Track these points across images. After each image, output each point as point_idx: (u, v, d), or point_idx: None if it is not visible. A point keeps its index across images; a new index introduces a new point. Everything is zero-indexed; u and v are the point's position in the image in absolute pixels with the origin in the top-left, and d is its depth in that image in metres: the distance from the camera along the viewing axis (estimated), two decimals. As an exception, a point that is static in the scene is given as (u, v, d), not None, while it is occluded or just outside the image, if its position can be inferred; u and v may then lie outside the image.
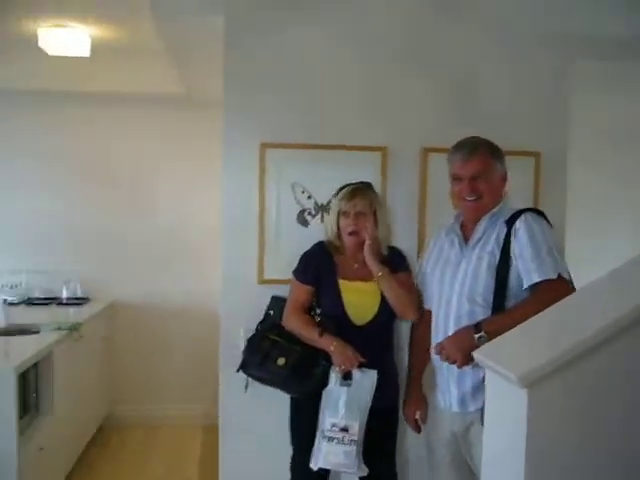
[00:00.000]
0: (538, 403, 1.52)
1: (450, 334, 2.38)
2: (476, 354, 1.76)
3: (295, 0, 2.97)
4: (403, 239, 2.97)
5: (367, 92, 3.06)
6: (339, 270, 2.75)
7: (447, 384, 2.46)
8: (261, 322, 2.87)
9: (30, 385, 3.47)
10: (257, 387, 2.91)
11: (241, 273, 3.00)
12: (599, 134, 4.58)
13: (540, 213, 2.40)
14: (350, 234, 2.69)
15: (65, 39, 3.65)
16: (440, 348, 2.35)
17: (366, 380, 2.62)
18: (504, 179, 2.49)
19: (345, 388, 2.62)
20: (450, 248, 2.53)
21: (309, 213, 2.99)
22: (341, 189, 2.76)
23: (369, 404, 2.60)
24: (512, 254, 2.31)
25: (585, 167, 4.17)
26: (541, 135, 3.15)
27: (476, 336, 2.23)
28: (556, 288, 2.18)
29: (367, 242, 2.65)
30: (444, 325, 2.46)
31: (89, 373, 4.60)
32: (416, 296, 2.69)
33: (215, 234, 3.44)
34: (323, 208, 2.99)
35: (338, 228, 2.74)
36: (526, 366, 1.53)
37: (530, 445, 1.51)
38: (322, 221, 2.98)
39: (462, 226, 2.54)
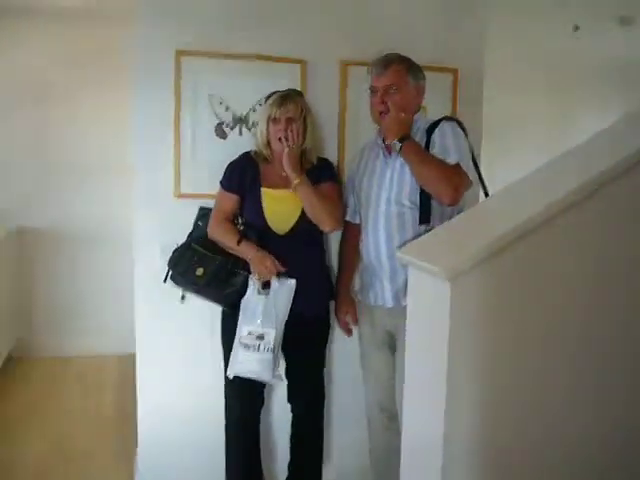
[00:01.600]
0: (460, 295, 1.55)
1: (381, 228, 2.53)
2: (399, 253, 1.78)
3: None
4: (324, 151, 2.94)
5: (287, 3, 2.96)
6: (264, 179, 2.72)
7: (381, 281, 2.57)
8: (190, 233, 2.83)
9: None
10: (174, 308, 2.89)
11: (156, 188, 2.88)
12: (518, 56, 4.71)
13: (456, 121, 2.53)
14: (280, 140, 2.64)
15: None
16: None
17: (284, 289, 2.63)
18: (419, 93, 2.61)
19: (263, 297, 2.62)
20: (375, 160, 2.64)
21: (227, 125, 2.90)
22: (270, 96, 2.71)
23: (287, 313, 2.62)
24: None
25: (502, 86, 4.25)
26: (459, 52, 3.15)
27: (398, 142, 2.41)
28: (463, 173, 2.39)
29: (285, 150, 2.61)
30: (374, 227, 2.58)
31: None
32: (336, 207, 2.70)
33: (127, 154, 3.32)
34: (241, 120, 2.90)
35: (268, 135, 2.69)
36: (448, 260, 1.55)
37: (453, 335, 1.55)
38: (240, 133, 2.91)
39: (384, 139, 2.57)
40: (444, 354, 1.56)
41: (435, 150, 2.42)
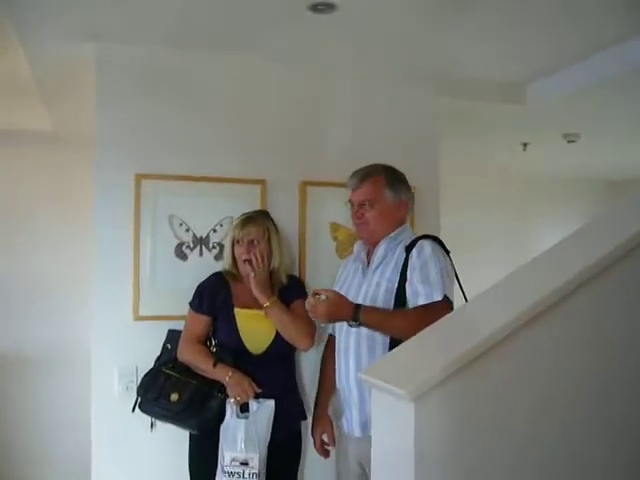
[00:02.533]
0: (425, 415, 1.51)
1: (351, 352, 2.43)
2: (362, 374, 1.75)
3: (165, 34, 2.87)
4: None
5: (244, 126, 3.04)
6: (237, 299, 2.71)
7: (350, 409, 2.47)
8: (158, 357, 2.76)
9: None
10: (133, 434, 2.78)
11: (114, 311, 2.83)
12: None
13: (435, 239, 2.45)
14: (245, 262, 2.66)
15: None
16: (312, 308, 2.30)
17: (263, 411, 2.56)
18: (400, 206, 2.52)
19: (243, 420, 2.54)
20: (354, 273, 2.57)
21: (187, 246, 2.91)
22: (239, 218, 2.75)
23: (268, 435, 2.54)
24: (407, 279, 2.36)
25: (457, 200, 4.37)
26: (416, 171, 3.23)
27: (351, 322, 2.28)
28: (439, 309, 2.17)
29: (251, 275, 2.62)
30: (345, 349, 2.48)
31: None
32: (310, 325, 2.67)
33: (86, 277, 3.28)
34: (202, 241, 2.91)
35: (233, 257, 2.70)
36: (411, 380, 1.53)
37: (418, 457, 1.50)
38: (200, 254, 2.91)
39: (369, 252, 2.56)
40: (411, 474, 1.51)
41: (416, 279, 2.30)
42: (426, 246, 2.37)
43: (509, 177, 6.03)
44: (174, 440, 2.73)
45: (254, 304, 2.65)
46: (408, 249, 2.40)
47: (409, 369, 1.68)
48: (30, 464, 4.77)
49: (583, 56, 3.16)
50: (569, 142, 4.55)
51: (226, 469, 2.52)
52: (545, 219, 6.39)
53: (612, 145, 4.96)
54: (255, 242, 2.67)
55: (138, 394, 2.68)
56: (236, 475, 2.50)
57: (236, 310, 2.68)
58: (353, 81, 3.22)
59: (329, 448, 2.75)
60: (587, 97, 3.53)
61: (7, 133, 4.65)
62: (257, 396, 2.57)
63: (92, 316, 2.88)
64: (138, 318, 2.84)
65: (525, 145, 4.79)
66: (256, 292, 2.62)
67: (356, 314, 2.26)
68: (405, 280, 2.35)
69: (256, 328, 2.66)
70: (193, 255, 2.91)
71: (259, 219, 2.73)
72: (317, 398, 2.78)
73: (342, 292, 2.53)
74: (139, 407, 2.68)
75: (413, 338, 1.90)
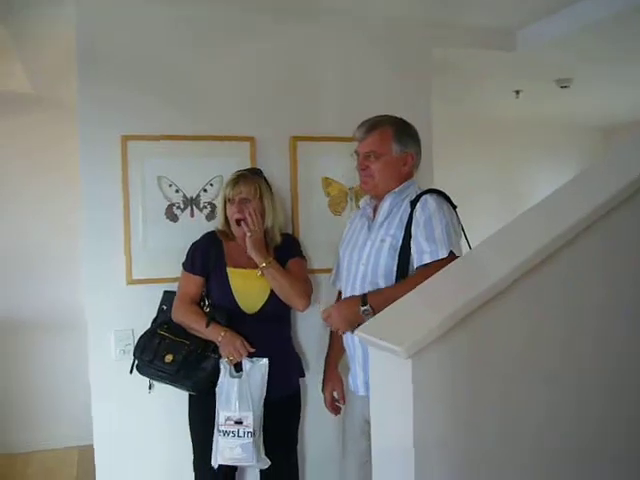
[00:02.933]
0: (422, 372, 1.50)
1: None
2: (358, 331, 1.73)
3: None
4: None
5: (231, 82, 2.98)
6: (230, 258, 2.68)
7: (354, 366, 2.46)
8: (154, 319, 2.75)
9: None
10: (132, 395, 2.78)
11: (107, 275, 2.81)
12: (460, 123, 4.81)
13: (441, 193, 2.39)
14: (237, 221, 2.63)
15: None
16: (326, 315, 2.34)
17: (257, 370, 2.56)
18: (406, 161, 2.44)
19: (236, 380, 2.54)
20: (360, 229, 2.52)
21: (178, 207, 2.87)
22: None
23: (263, 393, 2.55)
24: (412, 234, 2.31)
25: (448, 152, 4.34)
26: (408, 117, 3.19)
27: (362, 308, 2.23)
28: (445, 265, 2.16)
29: (247, 235, 2.58)
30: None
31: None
32: (306, 285, 2.68)
33: (77, 240, 3.26)
34: (192, 201, 2.88)
35: (226, 216, 2.67)
36: (408, 337, 1.51)
37: (417, 413, 1.50)
38: (192, 215, 2.88)
39: (375, 207, 2.51)
40: (409, 432, 1.50)
41: (421, 235, 2.26)
42: (430, 201, 2.31)
43: (502, 126, 5.96)
44: (173, 400, 2.74)
45: (247, 263, 2.63)
46: (413, 204, 2.34)
47: (406, 325, 1.66)
48: (32, 429, 4.83)
49: (571, 0, 3.11)
50: (562, 87, 4.47)
51: (221, 428, 2.53)
52: (541, 167, 6.34)
53: (606, 89, 4.89)
54: (247, 201, 2.63)
55: (134, 356, 2.68)
56: (231, 434, 2.52)
57: (229, 270, 2.66)
58: (343, 33, 3.13)
59: (339, 405, 2.73)
60: (577, 41, 3.47)
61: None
62: (251, 355, 2.56)
63: (85, 281, 2.86)
64: (131, 282, 2.81)
65: (518, 92, 4.72)
66: (252, 252, 2.59)
67: (364, 303, 2.23)
68: (409, 236, 2.31)
69: (250, 288, 2.64)
70: (184, 216, 2.87)
71: (250, 177, 2.68)
72: (327, 356, 2.76)
73: (348, 248, 2.53)
74: (136, 369, 2.69)
75: (411, 292, 1.87)
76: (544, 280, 1.63)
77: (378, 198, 2.48)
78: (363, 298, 2.26)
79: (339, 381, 2.70)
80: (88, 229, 2.81)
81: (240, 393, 2.53)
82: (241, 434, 2.51)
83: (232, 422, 2.53)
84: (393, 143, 2.41)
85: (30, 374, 4.85)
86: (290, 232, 2.96)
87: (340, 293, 2.65)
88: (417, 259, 2.28)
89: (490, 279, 1.57)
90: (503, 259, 1.71)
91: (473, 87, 4.63)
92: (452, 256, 2.21)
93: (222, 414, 2.54)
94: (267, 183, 2.73)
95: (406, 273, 2.30)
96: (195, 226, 2.82)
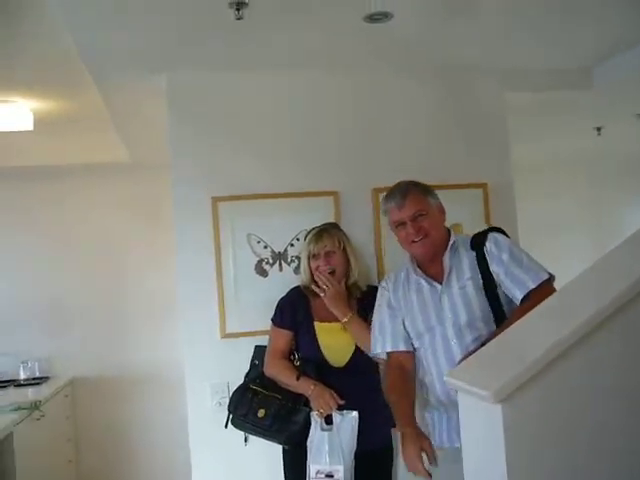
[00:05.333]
0: (513, 417, 1.50)
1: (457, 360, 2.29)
2: (446, 377, 1.75)
3: (232, 60, 2.96)
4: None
5: (312, 141, 3.10)
6: (316, 313, 2.74)
7: (452, 417, 2.27)
8: (247, 373, 2.83)
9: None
10: (228, 447, 2.86)
11: (202, 330, 2.94)
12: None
13: (499, 230, 2.45)
14: (330, 273, 2.69)
15: (7, 114, 3.63)
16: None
17: (347, 423, 2.55)
18: (442, 211, 2.50)
19: (327, 433, 2.55)
20: (418, 291, 2.47)
21: (267, 262, 2.98)
22: (309, 232, 2.78)
23: (354, 446, 2.53)
24: (494, 273, 2.33)
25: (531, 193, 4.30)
26: (486, 167, 3.23)
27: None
28: (549, 288, 2.23)
29: (322, 295, 2.66)
30: (447, 360, 2.36)
31: (53, 454, 4.42)
32: None
33: (173, 299, 3.43)
34: (280, 256, 2.98)
35: (311, 271, 2.74)
36: (497, 380, 1.52)
37: (510, 461, 1.50)
38: (280, 269, 2.98)
39: (419, 267, 2.50)
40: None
41: (513, 268, 2.28)
42: (499, 237, 2.38)
43: (584, 163, 5.86)
44: (268, 453, 2.79)
45: (334, 317, 2.69)
46: (475, 246, 2.38)
47: (495, 368, 1.67)
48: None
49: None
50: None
51: None
52: (624, 203, 6.18)
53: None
54: (332, 253, 2.70)
55: (229, 411, 2.75)
56: None
57: (316, 324, 2.72)
58: (418, 83, 3.22)
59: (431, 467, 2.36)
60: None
61: (89, 166, 4.89)
62: (341, 408, 2.57)
63: (182, 337, 2.99)
64: (225, 335, 2.93)
65: (599, 129, 4.66)
66: (332, 308, 2.66)
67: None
68: (488, 276, 2.33)
69: (336, 342, 2.69)
70: (273, 270, 2.98)
71: (331, 231, 2.76)
72: (398, 417, 2.38)
73: (419, 316, 2.44)
74: (231, 423, 2.75)
75: (499, 336, 1.88)
76: (632, 319, 1.61)
77: (429, 259, 2.44)
78: (483, 345, 2.02)
79: (426, 440, 2.27)
80: (183, 286, 2.96)
81: (331, 446, 2.53)
82: None
83: (323, 475, 2.51)
84: (429, 198, 2.45)
85: (134, 430, 5.06)
86: (376, 282, 3.00)
87: (403, 356, 2.49)
88: (519, 290, 2.27)
89: (571, 324, 1.56)
90: (589, 300, 1.68)
91: (552, 126, 4.60)
92: (550, 277, 2.27)
93: (313, 467, 2.54)
94: (346, 235, 2.79)
95: (502, 312, 2.31)
96: (284, 280, 2.91)
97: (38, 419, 3.92)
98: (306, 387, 2.62)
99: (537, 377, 1.51)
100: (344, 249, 2.73)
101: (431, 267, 2.47)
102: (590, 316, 1.55)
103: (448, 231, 2.51)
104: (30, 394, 4.34)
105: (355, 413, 2.56)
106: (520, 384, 1.50)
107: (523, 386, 1.50)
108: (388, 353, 2.52)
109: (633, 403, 1.60)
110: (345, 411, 2.57)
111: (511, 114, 3.38)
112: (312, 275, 2.74)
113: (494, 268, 2.33)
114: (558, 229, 5.48)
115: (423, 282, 2.46)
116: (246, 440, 2.81)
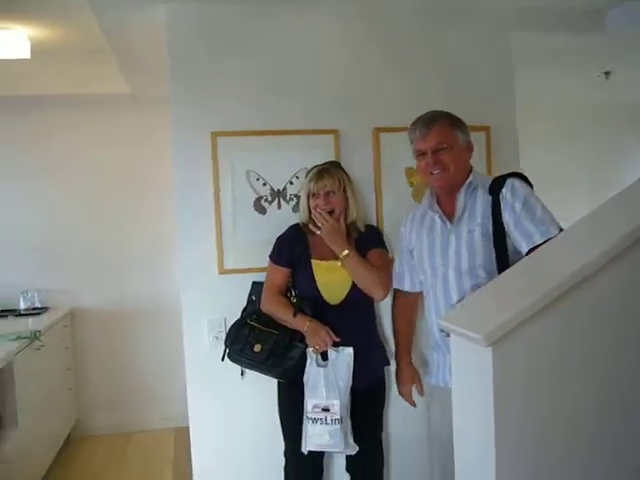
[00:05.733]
0: (502, 360, 1.53)
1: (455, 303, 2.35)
2: (441, 321, 1.77)
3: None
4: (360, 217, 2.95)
5: (315, 77, 3.05)
6: (314, 250, 2.75)
7: (446, 358, 2.40)
8: (244, 309, 2.86)
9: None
10: (224, 380, 2.90)
11: (200, 265, 2.94)
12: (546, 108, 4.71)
13: (522, 176, 2.37)
14: (329, 213, 2.68)
15: (4, 41, 3.56)
16: None
17: (342, 359, 2.62)
18: (469, 148, 2.44)
19: (322, 369, 2.62)
20: (432, 226, 2.50)
21: (265, 200, 2.97)
22: (310, 170, 2.76)
23: (349, 382, 2.61)
24: (505, 223, 2.29)
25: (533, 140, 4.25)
26: (490, 109, 3.17)
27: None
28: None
29: (318, 232, 2.68)
30: (445, 302, 2.42)
31: (53, 383, 4.51)
32: (386, 275, 2.71)
33: (171, 233, 3.43)
34: (279, 193, 2.97)
35: (309, 210, 2.73)
36: (488, 324, 1.54)
37: (498, 403, 1.52)
38: (279, 207, 2.97)
39: (438, 202, 2.50)
40: (490, 421, 1.54)
41: (524, 219, 2.24)
42: (517, 184, 2.30)
43: (591, 109, 5.77)
44: (264, 387, 2.83)
45: (331, 255, 2.69)
46: (492, 191, 2.32)
47: (488, 313, 1.69)
48: (136, 407, 5.15)
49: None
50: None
51: (309, 415, 2.61)
52: (633, 151, 6.11)
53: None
54: (332, 193, 2.69)
55: (225, 345, 2.79)
56: (319, 421, 2.60)
57: (313, 261, 2.73)
58: (421, 21, 3.14)
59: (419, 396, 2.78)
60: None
61: (89, 98, 4.83)
62: (336, 345, 2.62)
63: (179, 272, 3.01)
64: (223, 272, 2.94)
65: (607, 74, 4.58)
66: (330, 243, 2.67)
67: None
68: (500, 225, 2.29)
69: (332, 279, 2.70)
70: (272, 208, 2.97)
71: (332, 170, 2.74)
72: (398, 350, 2.81)
73: (424, 246, 2.51)
74: (228, 357, 2.80)
75: (494, 280, 1.89)
76: (628, 268, 1.61)
77: (448, 193, 2.44)
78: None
79: (417, 375, 2.76)
80: (182, 223, 2.95)
81: (327, 381, 2.61)
82: (329, 421, 2.59)
83: (319, 409, 2.60)
84: (457, 132, 2.39)
85: (132, 360, 5.15)
86: (374, 222, 3.01)
87: (409, 296, 2.71)
88: (525, 243, 2.24)
89: (565, 270, 1.57)
90: (594, 241, 1.69)
91: (560, 68, 4.52)
92: (561, 231, 2.16)
93: (310, 402, 2.62)
94: (347, 175, 2.78)
95: (507, 260, 2.27)
96: (282, 218, 2.91)
97: (38, 349, 3.97)
98: (302, 324, 2.65)
99: (526, 323, 1.53)
100: (344, 189, 2.72)
101: (448, 204, 2.47)
102: (576, 269, 1.56)
103: (471, 169, 2.45)
104: (30, 324, 4.39)
105: (350, 349, 2.62)
106: (510, 329, 1.52)
107: (513, 331, 1.52)
108: (397, 290, 2.72)
109: (615, 348, 1.62)
110: (340, 348, 2.63)
111: (518, 55, 3.31)
112: (310, 213, 2.73)
113: (506, 217, 2.28)
114: (562, 179, 5.43)
115: (437, 219, 2.47)
116: (242, 373, 2.85)
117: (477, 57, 3.20)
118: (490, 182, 2.38)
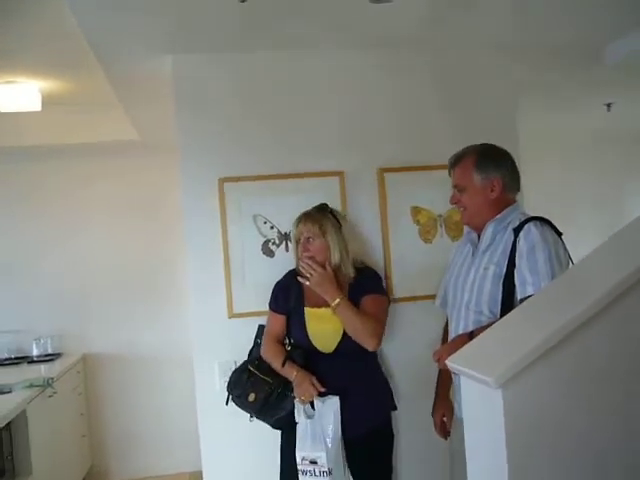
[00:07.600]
0: (514, 401, 1.52)
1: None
2: (448, 362, 1.77)
3: (238, 42, 2.94)
4: (368, 257, 2.99)
5: (318, 120, 3.10)
6: (307, 297, 2.73)
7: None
8: (250, 351, 2.85)
9: (4, 447, 3.39)
10: (235, 424, 2.89)
11: (211, 310, 2.97)
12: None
13: (545, 221, 2.33)
14: (304, 259, 2.67)
15: (16, 95, 3.64)
16: (437, 357, 2.29)
17: (327, 408, 2.56)
18: (493, 187, 2.39)
19: (309, 420, 2.57)
20: (466, 255, 2.52)
21: (273, 243, 2.99)
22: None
23: (338, 431, 2.54)
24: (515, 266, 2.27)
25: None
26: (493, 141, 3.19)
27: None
28: None
29: (306, 283, 2.64)
30: (454, 334, 2.43)
31: (67, 429, 4.51)
32: (379, 325, 2.66)
33: (182, 277, 3.46)
34: (287, 236, 2.99)
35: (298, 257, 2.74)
36: (498, 366, 1.54)
37: (510, 445, 1.52)
38: (287, 250, 2.99)
39: (479, 235, 2.49)
40: (503, 461, 1.53)
41: (524, 266, 2.22)
42: (533, 229, 2.25)
43: (593, 140, 5.80)
44: (274, 430, 2.81)
45: (324, 302, 2.65)
46: (516, 232, 2.29)
47: (496, 353, 1.68)
48: (149, 452, 5.12)
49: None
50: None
51: (299, 467, 2.55)
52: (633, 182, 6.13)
53: None
54: (310, 239, 2.67)
55: (227, 390, 2.78)
56: (308, 473, 2.54)
57: (306, 309, 2.71)
58: (426, 60, 3.19)
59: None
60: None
61: (98, 145, 4.90)
62: (325, 394, 2.57)
63: (191, 317, 3.03)
64: (232, 315, 2.96)
65: (609, 105, 4.61)
66: (320, 293, 2.63)
67: (472, 339, 2.09)
68: (513, 265, 2.27)
69: (324, 328, 2.66)
70: (279, 251, 3.00)
71: (315, 215, 2.71)
72: (437, 384, 2.71)
73: (454, 274, 2.53)
74: (232, 401, 2.78)
75: (501, 320, 1.89)
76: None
77: (475, 228, 2.47)
78: (470, 336, 2.17)
79: (449, 407, 2.62)
80: (192, 267, 2.99)
81: (313, 433, 2.55)
82: (317, 474, 2.53)
83: (307, 462, 2.55)
84: (474, 173, 2.39)
85: (145, 405, 5.15)
86: (381, 261, 3.03)
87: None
88: (520, 291, 2.23)
89: (573, 309, 1.56)
90: (605, 276, 1.68)
91: (561, 101, 4.56)
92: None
93: (298, 454, 2.57)
94: (334, 218, 2.73)
95: (511, 303, 2.24)
96: (290, 260, 2.91)
97: (51, 396, 3.98)
98: (290, 374, 2.63)
99: (536, 363, 1.52)
100: (323, 234, 2.67)
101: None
102: (588, 306, 1.55)
103: (502, 206, 2.39)
104: (43, 371, 4.40)
105: (336, 398, 2.56)
106: (520, 370, 1.51)
107: (522, 372, 1.52)
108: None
109: (628, 387, 1.61)
110: (327, 397, 2.57)
111: (519, 90, 3.35)
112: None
113: (516, 259, 2.26)
114: (566, 208, 5.43)
115: (469, 245, 2.50)
116: (251, 416, 2.81)
117: (480, 91, 3.24)
118: (520, 221, 2.35)
